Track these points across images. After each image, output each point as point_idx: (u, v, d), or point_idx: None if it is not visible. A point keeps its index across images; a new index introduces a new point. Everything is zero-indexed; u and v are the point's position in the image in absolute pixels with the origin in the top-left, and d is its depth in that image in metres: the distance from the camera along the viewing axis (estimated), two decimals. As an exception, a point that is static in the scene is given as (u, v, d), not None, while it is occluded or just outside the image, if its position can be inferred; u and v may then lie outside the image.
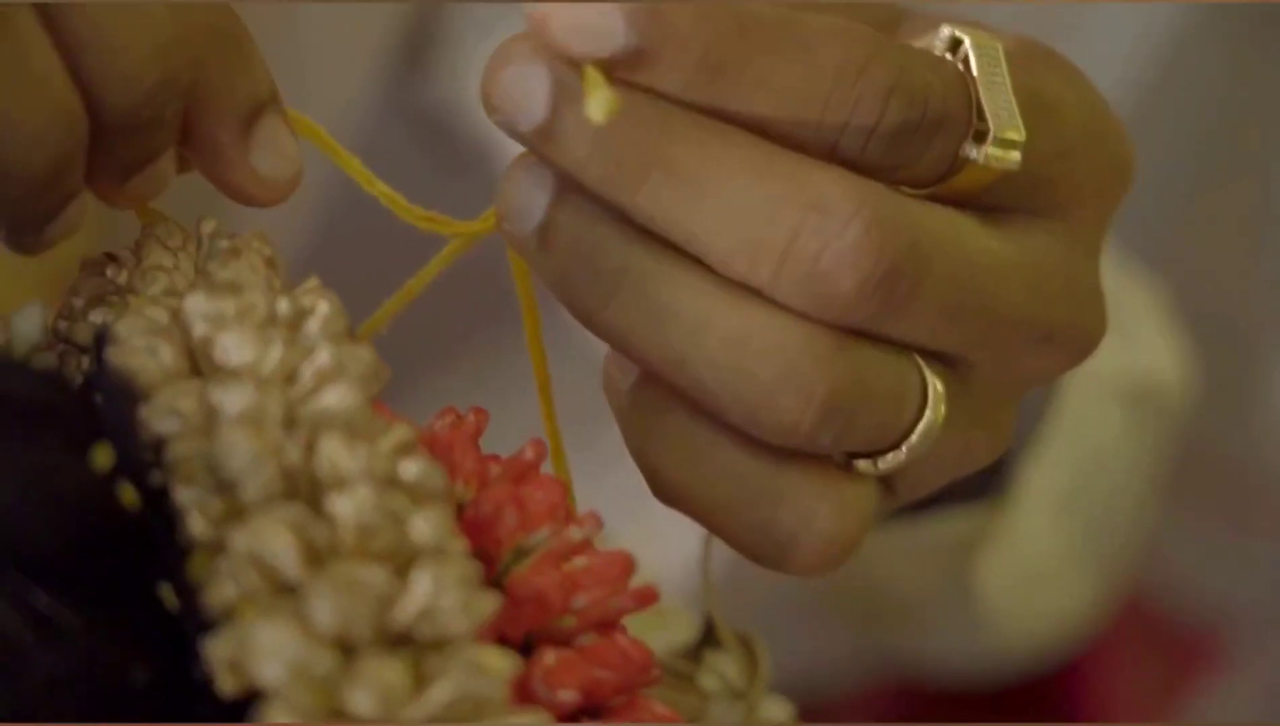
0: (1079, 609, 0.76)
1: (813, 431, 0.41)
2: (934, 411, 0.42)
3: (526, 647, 0.38)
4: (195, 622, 0.36)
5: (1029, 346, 0.43)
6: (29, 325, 0.43)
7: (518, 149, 0.43)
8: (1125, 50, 0.99)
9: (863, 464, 0.43)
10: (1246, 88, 1.10)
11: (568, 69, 0.40)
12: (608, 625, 0.39)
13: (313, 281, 0.41)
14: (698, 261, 0.41)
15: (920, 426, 0.42)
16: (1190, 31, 1.04)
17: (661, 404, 0.43)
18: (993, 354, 0.43)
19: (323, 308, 0.39)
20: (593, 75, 0.40)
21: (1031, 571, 0.71)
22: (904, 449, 0.42)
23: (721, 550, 0.74)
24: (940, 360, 0.43)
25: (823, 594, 0.76)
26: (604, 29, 0.39)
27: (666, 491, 0.43)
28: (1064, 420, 0.67)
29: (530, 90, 0.41)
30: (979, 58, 0.42)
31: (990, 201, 0.43)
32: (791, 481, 0.42)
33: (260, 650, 0.35)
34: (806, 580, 0.75)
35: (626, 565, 0.39)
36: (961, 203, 0.42)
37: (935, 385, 0.42)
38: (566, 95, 0.40)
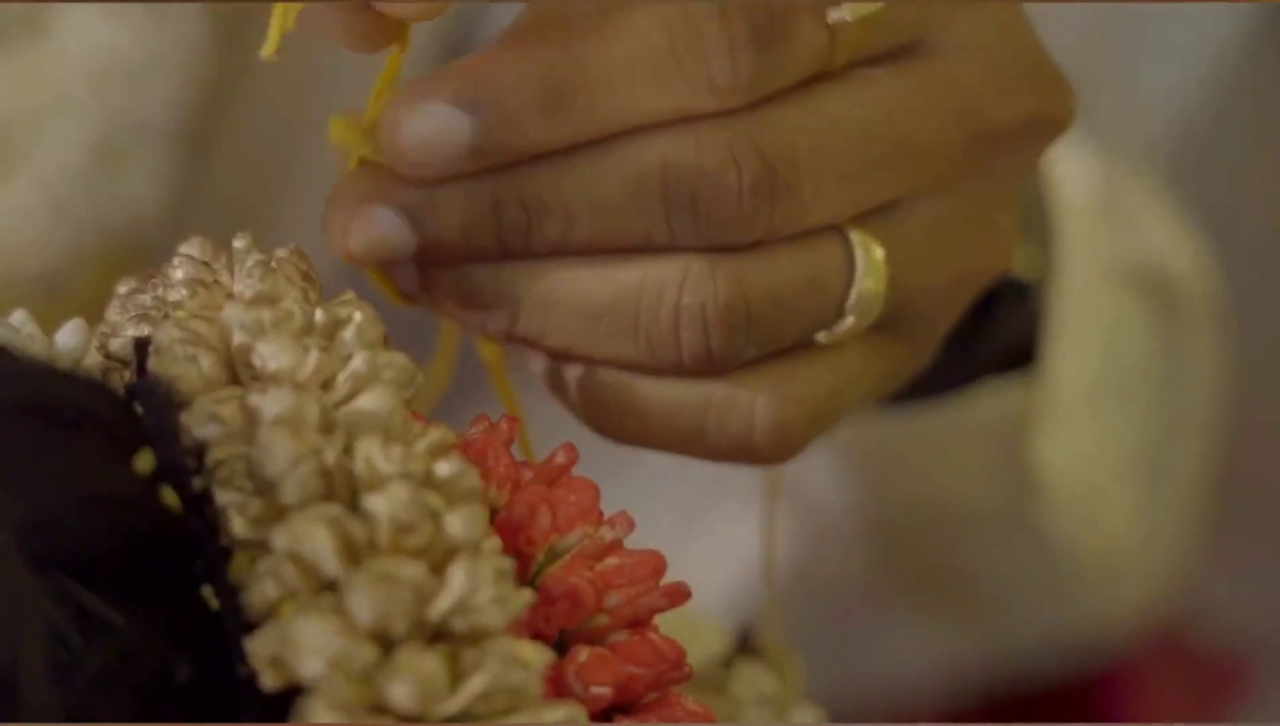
0: (1142, 532, 0.76)
1: (726, 351, 0.43)
2: (871, 277, 0.44)
3: (560, 647, 0.39)
4: (237, 623, 0.37)
5: (981, 155, 0.45)
6: (72, 341, 0.44)
7: None
8: (1193, 54, 0.99)
9: (822, 335, 0.44)
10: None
11: (398, 188, 0.43)
12: (640, 623, 0.40)
13: (348, 294, 0.41)
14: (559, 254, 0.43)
15: (854, 293, 0.44)
16: (1260, 39, 1.04)
17: (583, 372, 0.45)
18: (935, 182, 0.44)
19: (357, 317, 0.40)
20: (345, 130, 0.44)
21: (1085, 467, 0.71)
22: (848, 316, 0.44)
23: (783, 556, 0.74)
24: (879, 211, 0.44)
25: (886, 556, 0.76)
26: (449, 131, 0.41)
27: (618, 439, 0.45)
28: (1074, 304, 0.68)
29: (387, 231, 0.43)
30: None
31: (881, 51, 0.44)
32: (722, 392, 0.44)
33: (301, 645, 0.35)
34: (882, 561, 0.76)
35: (658, 564, 0.40)
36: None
37: (872, 251, 0.44)
38: (417, 216, 0.43)
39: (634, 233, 0.43)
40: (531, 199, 0.43)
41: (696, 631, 0.49)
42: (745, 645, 0.50)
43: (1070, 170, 0.68)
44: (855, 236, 0.44)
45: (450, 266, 0.44)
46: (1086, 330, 0.69)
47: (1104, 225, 0.71)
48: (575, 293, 0.43)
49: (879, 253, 0.44)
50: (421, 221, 0.43)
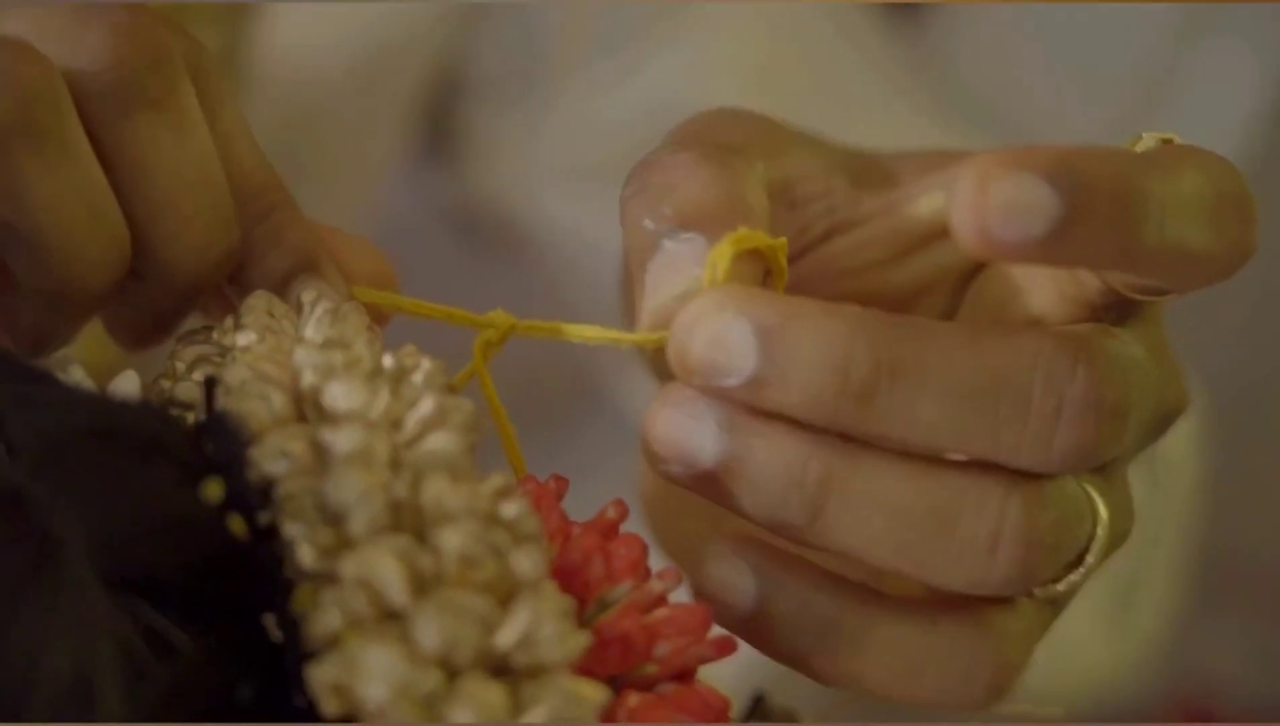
0: (1111, 663, 0.78)
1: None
2: (1104, 532, 0.43)
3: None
4: (297, 652, 0.38)
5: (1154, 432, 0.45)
6: (127, 388, 0.45)
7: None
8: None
9: (1039, 591, 0.44)
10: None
11: (763, 309, 0.41)
12: (686, 673, 0.41)
13: (410, 347, 0.43)
14: (877, 450, 0.41)
15: (1094, 544, 0.43)
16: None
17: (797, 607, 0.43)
18: (1135, 446, 0.44)
19: (425, 364, 0.41)
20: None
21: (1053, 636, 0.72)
22: (1083, 567, 0.43)
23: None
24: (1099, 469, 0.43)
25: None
26: (1037, 207, 0.38)
27: (832, 681, 0.44)
28: None
29: (737, 344, 0.41)
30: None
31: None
32: (948, 637, 0.43)
33: (366, 672, 0.36)
34: None
35: (706, 617, 0.41)
36: None
37: (1099, 506, 0.43)
38: (772, 336, 0.41)
39: (978, 442, 0.41)
40: (888, 359, 0.40)
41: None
42: (757, 710, 0.50)
43: None
44: (1090, 488, 0.43)
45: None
46: None
47: None
48: (885, 492, 0.41)
49: (1106, 515, 0.43)
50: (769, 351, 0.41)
